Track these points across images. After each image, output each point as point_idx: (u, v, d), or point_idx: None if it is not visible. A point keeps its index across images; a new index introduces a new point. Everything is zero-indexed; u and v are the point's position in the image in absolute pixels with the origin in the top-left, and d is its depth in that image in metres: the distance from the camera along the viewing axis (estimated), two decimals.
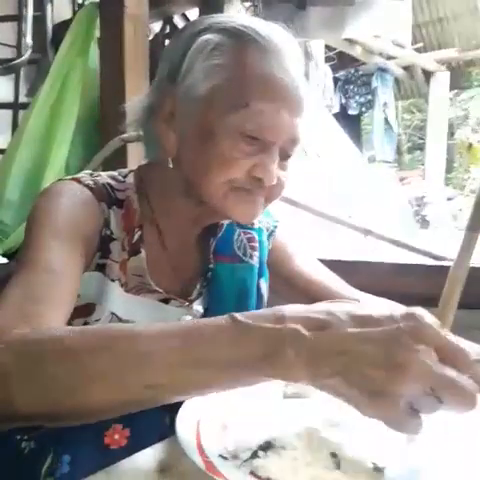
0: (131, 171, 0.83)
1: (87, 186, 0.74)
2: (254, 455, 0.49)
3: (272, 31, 0.72)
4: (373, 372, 0.43)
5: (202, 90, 0.70)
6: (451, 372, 0.43)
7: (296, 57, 0.73)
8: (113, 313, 0.74)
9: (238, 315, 0.48)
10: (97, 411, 0.50)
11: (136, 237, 0.77)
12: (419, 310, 0.45)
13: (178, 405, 0.57)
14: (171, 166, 0.75)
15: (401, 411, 0.43)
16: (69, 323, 0.71)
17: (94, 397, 0.49)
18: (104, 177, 0.79)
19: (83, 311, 0.73)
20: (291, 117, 0.70)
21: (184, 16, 2.40)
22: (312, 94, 4.67)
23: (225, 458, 0.49)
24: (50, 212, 0.69)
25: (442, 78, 7.46)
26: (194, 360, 0.47)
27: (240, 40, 0.70)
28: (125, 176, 0.81)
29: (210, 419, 0.56)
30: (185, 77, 0.71)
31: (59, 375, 0.49)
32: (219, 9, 2.07)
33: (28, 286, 0.60)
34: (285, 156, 0.74)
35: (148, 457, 0.55)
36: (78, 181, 0.75)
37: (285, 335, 0.45)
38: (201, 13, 2.15)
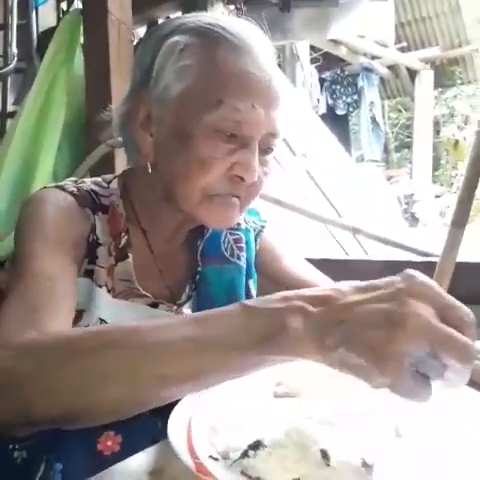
0: (115, 177, 0.83)
1: (70, 193, 0.74)
2: (244, 455, 0.50)
3: (240, 27, 0.72)
4: (373, 334, 0.44)
5: (175, 92, 0.70)
6: (449, 328, 0.43)
7: (266, 50, 0.72)
8: (101, 319, 0.74)
9: (247, 301, 0.50)
10: (110, 410, 0.51)
11: (123, 242, 0.77)
12: (418, 272, 0.47)
13: (170, 410, 0.58)
14: (150, 171, 0.75)
15: (408, 374, 0.43)
16: None
17: (107, 395, 0.49)
18: (88, 184, 0.79)
19: None
20: (267, 111, 0.70)
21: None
22: (298, 95, 4.69)
23: (215, 459, 0.49)
24: (37, 220, 0.70)
25: (426, 77, 7.55)
26: (204, 345, 0.48)
27: (208, 38, 0.70)
28: (109, 182, 0.81)
29: (201, 420, 0.56)
30: (157, 81, 0.71)
31: (72, 376, 0.49)
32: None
33: (27, 295, 0.60)
34: (266, 150, 0.73)
35: (139, 461, 0.55)
36: (61, 188, 0.75)
37: (290, 311, 0.47)
38: None
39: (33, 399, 0.50)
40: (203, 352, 0.48)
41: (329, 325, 0.46)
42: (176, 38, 0.70)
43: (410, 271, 0.47)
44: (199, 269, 0.85)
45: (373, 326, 0.44)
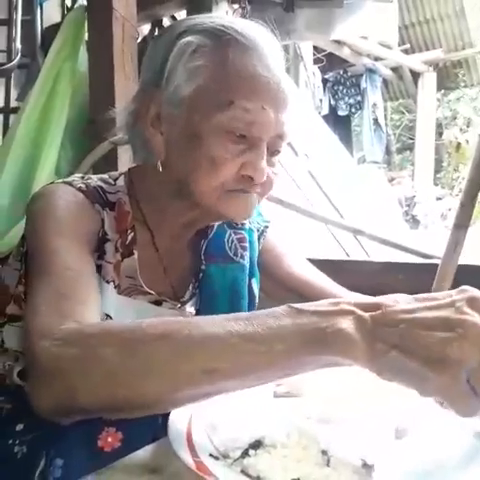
0: (121, 174, 0.83)
1: (79, 189, 0.75)
2: (244, 454, 0.50)
3: (251, 29, 0.72)
4: (431, 337, 0.43)
5: (186, 92, 0.70)
6: None
7: (276, 54, 0.73)
8: (107, 315, 0.74)
9: (294, 304, 0.49)
10: (153, 402, 0.51)
11: (129, 238, 0.77)
12: (472, 288, 0.47)
13: None
14: (160, 169, 0.75)
15: (463, 383, 0.43)
16: None
17: (150, 388, 0.49)
18: (95, 180, 0.79)
19: None
20: (276, 113, 0.71)
21: (173, 18, 2.40)
22: (301, 95, 4.69)
23: (216, 458, 0.49)
24: (51, 214, 0.70)
25: (429, 79, 7.54)
26: (255, 342, 0.47)
27: (220, 40, 0.70)
28: (116, 179, 0.81)
29: (201, 419, 0.56)
30: (169, 81, 0.72)
31: (117, 367, 0.50)
32: (207, 11, 2.08)
33: (55, 287, 0.61)
34: (273, 152, 0.74)
35: (139, 458, 0.55)
36: (69, 184, 0.75)
37: (340, 313, 0.47)
38: (189, 15, 2.15)
39: (78, 387, 0.51)
40: (250, 347, 0.48)
41: (381, 329, 0.46)
42: (189, 38, 0.71)
43: (465, 287, 0.47)
44: (203, 267, 0.85)
45: (430, 329, 0.44)
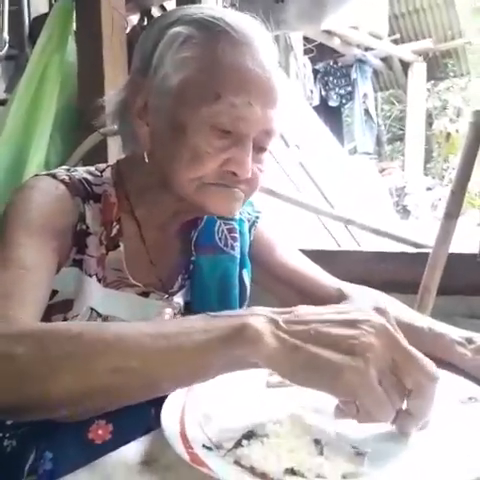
0: (109, 166, 0.82)
1: (62, 181, 0.74)
2: (238, 444, 0.50)
3: (243, 22, 0.71)
4: (340, 332, 0.48)
5: (173, 83, 0.69)
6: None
7: (268, 48, 0.72)
8: (92, 308, 0.74)
9: (211, 313, 0.53)
10: (63, 402, 0.51)
11: (114, 231, 0.76)
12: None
13: (163, 398, 0.57)
14: (146, 160, 0.74)
15: (373, 381, 0.46)
16: (48, 319, 0.71)
17: (61, 386, 0.49)
18: (80, 172, 0.78)
19: (61, 307, 0.73)
20: (264, 109, 0.69)
21: (162, 8, 2.38)
22: (291, 86, 4.68)
23: (209, 448, 0.49)
24: (22, 208, 0.69)
25: (419, 69, 7.56)
26: (165, 340, 0.49)
27: (210, 32, 0.69)
28: (102, 171, 0.81)
29: (194, 410, 0.56)
30: (156, 70, 0.71)
31: (28, 365, 0.49)
32: (196, 0, 2.06)
33: (1, 283, 0.60)
34: (260, 148, 0.73)
35: (132, 450, 0.55)
36: (53, 176, 0.74)
37: (251, 315, 0.50)
38: (178, 4, 2.13)
39: None
40: (160, 345, 0.49)
41: (293, 326, 0.49)
42: (178, 29, 0.70)
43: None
44: (193, 259, 0.84)
45: (340, 326, 0.49)
